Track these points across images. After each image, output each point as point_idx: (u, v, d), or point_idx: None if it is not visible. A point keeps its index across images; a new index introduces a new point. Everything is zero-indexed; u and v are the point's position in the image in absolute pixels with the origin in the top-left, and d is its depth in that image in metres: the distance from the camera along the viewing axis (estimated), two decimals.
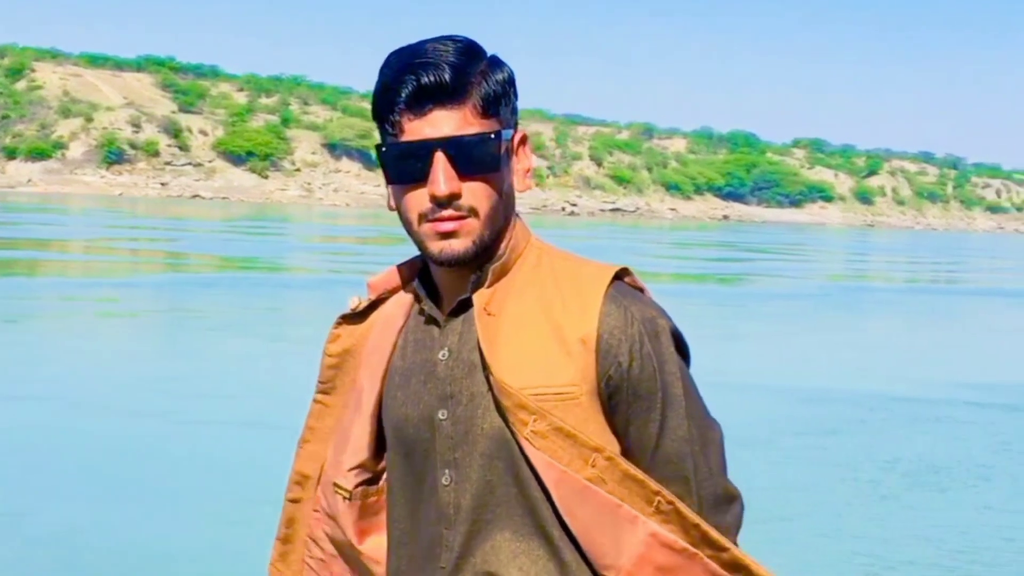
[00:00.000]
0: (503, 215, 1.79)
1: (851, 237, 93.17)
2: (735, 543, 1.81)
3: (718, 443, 1.84)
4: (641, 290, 1.84)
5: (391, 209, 1.82)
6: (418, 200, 1.74)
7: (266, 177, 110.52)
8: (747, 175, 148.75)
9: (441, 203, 1.72)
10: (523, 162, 1.83)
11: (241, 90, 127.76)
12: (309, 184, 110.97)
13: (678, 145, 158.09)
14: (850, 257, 59.32)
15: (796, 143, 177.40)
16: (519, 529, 1.77)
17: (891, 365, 17.48)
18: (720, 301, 27.25)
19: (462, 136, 1.71)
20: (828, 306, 27.86)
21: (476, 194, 1.73)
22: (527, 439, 1.73)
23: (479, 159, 1.73)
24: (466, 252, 1.74)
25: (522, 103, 1.85)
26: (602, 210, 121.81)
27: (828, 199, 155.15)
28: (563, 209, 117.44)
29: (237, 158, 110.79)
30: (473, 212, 1.73)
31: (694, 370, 1.87)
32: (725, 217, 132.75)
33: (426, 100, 1.70)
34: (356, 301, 1.95)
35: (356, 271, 30.46)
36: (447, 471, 1.79)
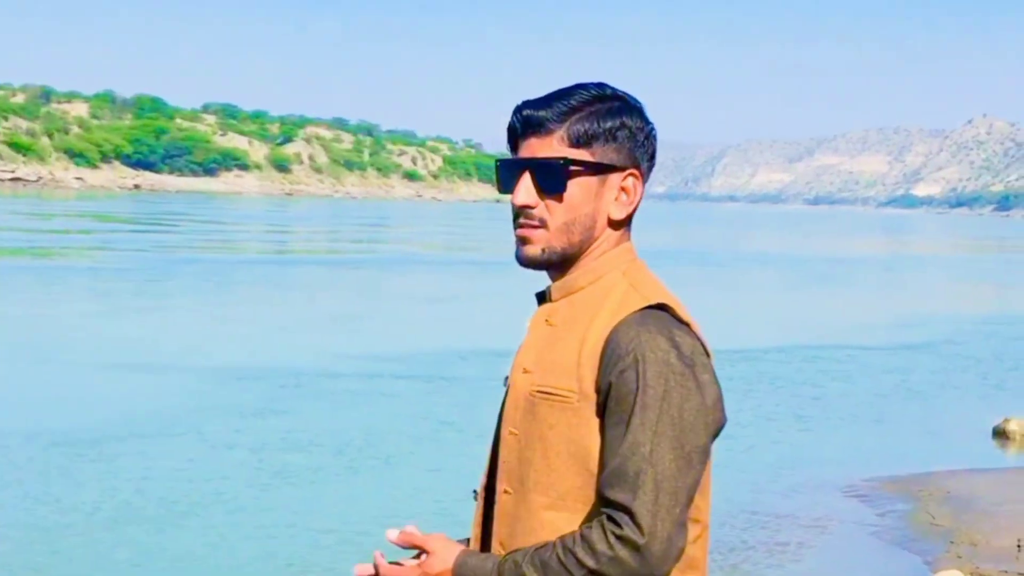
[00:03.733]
0: (580, 233, 2.05)
1: (268, 206, 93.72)
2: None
3: (673, 482, 1.90)
4: (688, 324, 2.00)
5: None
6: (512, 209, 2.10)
7: None
8: (156, 142, 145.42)
9: (517, 212, 2.07)
10: (628, 196, 2.08)
11: None
12: None
13: (79, 109, 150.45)
14: (266, 229, 59.60)
15: (206, 108, 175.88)
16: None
17: (315, 339, 17.47)
18: (128, 276, 26.22)
19: (542, 159, 2.05)
20: (235, 280, 27.71)
21: (550, 209, 2.05)
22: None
23: (553, 180, 2.04)
24: (535, 257, 2.06)
25: None
26: (1, 180, 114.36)
27: (244, 167, 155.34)
28: None
29: None
30: (544, 224, 2.04)
31: None
32: (136, 186, 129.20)
33: (524, 129, 2.07)
34: None
35: None
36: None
